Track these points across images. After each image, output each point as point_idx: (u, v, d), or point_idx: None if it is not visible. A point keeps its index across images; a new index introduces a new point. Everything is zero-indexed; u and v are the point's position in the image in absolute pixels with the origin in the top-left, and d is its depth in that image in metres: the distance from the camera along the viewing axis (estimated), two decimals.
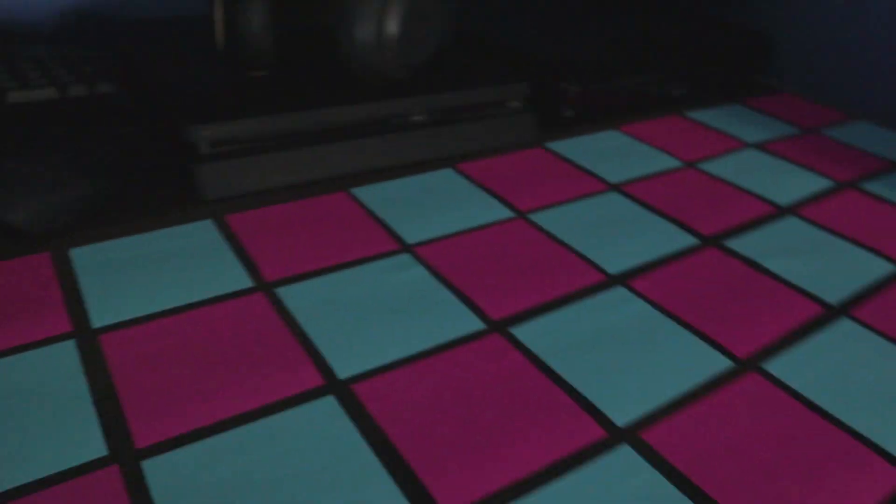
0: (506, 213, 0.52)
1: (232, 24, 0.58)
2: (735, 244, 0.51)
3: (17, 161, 0.47)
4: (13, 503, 0.27)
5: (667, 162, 0.63)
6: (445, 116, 0.59)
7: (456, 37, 0.77)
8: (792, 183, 0.62)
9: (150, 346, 0.36)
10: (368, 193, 0.53)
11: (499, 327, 0.40)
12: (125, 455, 0.30)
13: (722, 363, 0.39)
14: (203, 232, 0.46)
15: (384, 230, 0.48)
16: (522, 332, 0.40)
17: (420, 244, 0.47)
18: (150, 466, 0.29)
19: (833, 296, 0.46)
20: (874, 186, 0.63)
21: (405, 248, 0.47)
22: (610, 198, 0.56)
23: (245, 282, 0.42)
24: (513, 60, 0.69)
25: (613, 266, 0.47)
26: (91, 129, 0.55)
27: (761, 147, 0.68)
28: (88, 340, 0.36)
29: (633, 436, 0.33)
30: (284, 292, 0.41)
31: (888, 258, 0.51)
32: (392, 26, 0.55)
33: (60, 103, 0.57)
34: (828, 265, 0.50)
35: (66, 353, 0.35)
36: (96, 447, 0.30)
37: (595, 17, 0.84)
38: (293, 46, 0.66)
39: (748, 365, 0.39)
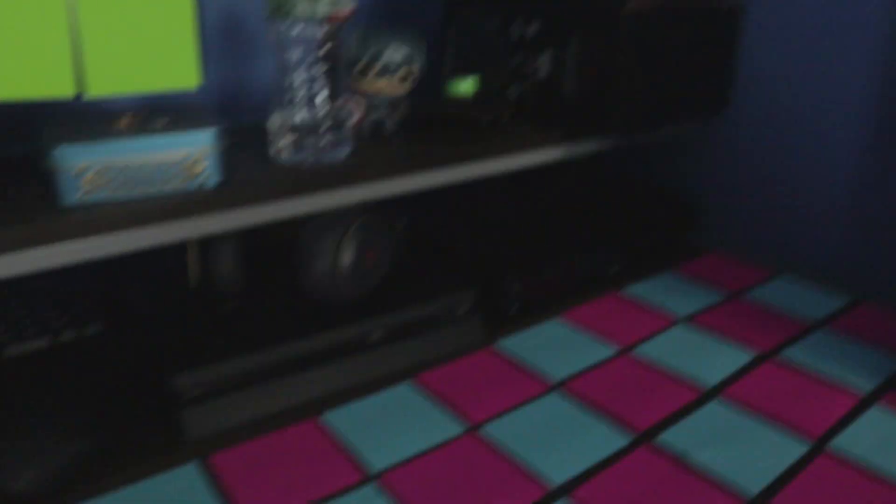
0: (459, 428, 0.58)
1: (205, 265, 0.66)
2: (665, 437, 0.57)
3: (15, 427, 0.52)
4: None
5: (604, 351, 0.70)
6: (399, 332, 0.66)
7: (401, 247, 0.85)
8: (717, 360, 0.69)
9: None
10: (336, 418, 0.59)
11: None
12: None
13: None
14: (188, 478, 0.52)
15: (350, 460, 0.54)
16: None
17: (383, 472, 0.53)
18: None
19: (754, 486, 0.52)
20: (794, 353, 0.70)
21: (370, 478, 0.52)
22: (552, 400, 0.62)
23: None
24: (456, 264, 0.78)
25: (558, 475, 0.53)
26: (81, 376, 0.61)
27: (691, 320, 0.76)
28: None
29: None
30: None
31: (804, 435, 0.58)
32: (345, 259, 0.63)
33: (51, 351, 0.63)
34: (748, 452, 0.56)
35: None
36: None
37: (520, 204, 0.94)
38: (258, 279, 0.73)
39: None
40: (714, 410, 0.61)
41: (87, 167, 0.51)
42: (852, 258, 0.85)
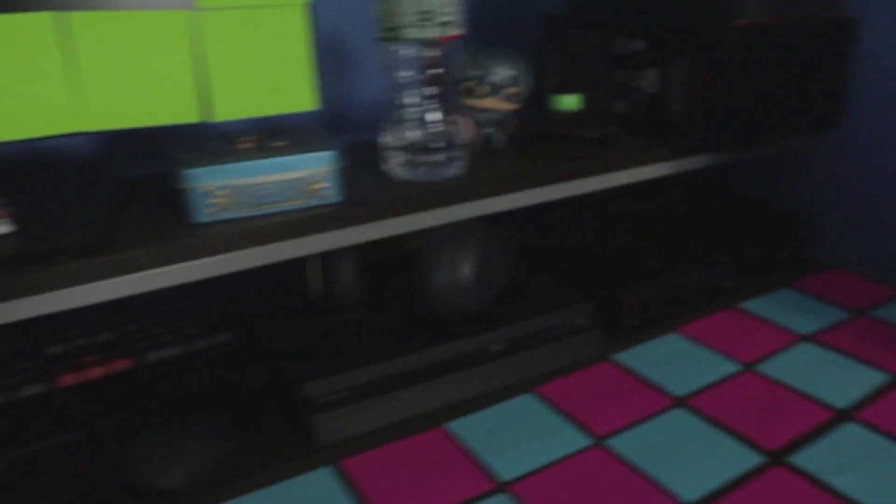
0: (585, 440, 0.58)
1: (325, 277, 0.68)
2: (799, 459, 0.56)
3: (163, 426, 0.56)
4: None
5: (726, 367, 0.69)
6: (519, 344, 0.67)
7: (517, 261, 0.86)
8: (848, 380, 0.66)
9: None
10: (462, 427, 0.60)
11: None
12: None
13: None
14: (324, 481, 0.54)
15: (479, 469, 0.55)
16: None
17: (513, 481, 0.54)
18: None
19: None
20: None
21: (501, 486, 0.53)
22: (677, 415, 0.61)
23: None
24: (570, 277, 0.78)
25: (690, 492, 0.52)
26: (215, 382, 0.64)
27: (814, 339, 0.74)
28: None
29: None
30: None
31: None
32: (465, 272, 0.64)
33: (186, 358, 0.67)
34: (890, 480, 0.54)
35: None
36: None
37: (631, 217, 0.93)
38: (377, 290, 0.75)
39: None
40: (849, 433, 0.59)
41: (213, 187, 0.54)
42: None
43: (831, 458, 0.56)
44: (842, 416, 0.61)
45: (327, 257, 0.69)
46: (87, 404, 0.61)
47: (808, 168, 0.95)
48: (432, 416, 0.62)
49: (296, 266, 0.84)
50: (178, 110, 0.56)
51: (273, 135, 0.62)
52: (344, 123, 0.89)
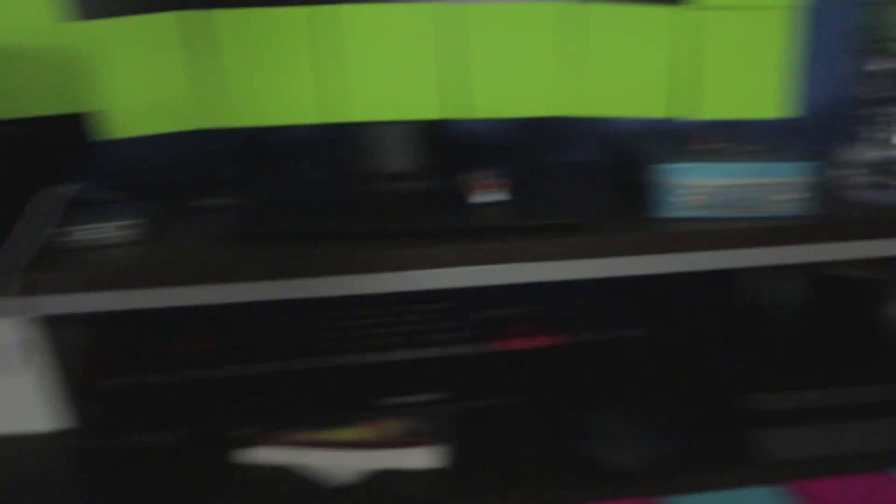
0: None
1: (756, 286, 0.66)
2: None
3: (614, 409, 0.58)
4: None
5: None
6: None
7: None
8: None
9: None
10: None
11: None
12: None
13: None
14: (766, 498, 0.52)
15: None
16: None
17: None
18: None
19: None
20: None
21: None
22: None
23: None
24: None
25: None
26: (639, 373, 0.65)
27: None
28: None
29: None
30: None
31: None
32: None
33: (612, 343, 0.68)
34: None
35: None
36: None
37: None
38: (815, 312, 0.71)
39: None
40: None
41: (692, 184, 0.55)
42: None
43: None
44: None
45: (766, 269, 0.67)
46: (516, 371, 0.66)
47: None
48: (877, 457, 0.57)
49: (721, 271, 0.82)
50: (647, 104, 0.58)
51: (735, 139, 0.61)
52: (797, 131, 0.85)
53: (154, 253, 0.52)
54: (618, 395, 0.61)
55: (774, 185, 0.55)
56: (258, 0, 0.53)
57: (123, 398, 0.59)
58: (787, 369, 0.60)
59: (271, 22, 0.54)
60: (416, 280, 0.53)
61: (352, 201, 0.58)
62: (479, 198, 0.57)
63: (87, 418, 0.59)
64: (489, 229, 0.53)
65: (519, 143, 0.77)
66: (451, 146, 0.69)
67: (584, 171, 0.69)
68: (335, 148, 0.71)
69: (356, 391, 0.59)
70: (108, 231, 0.53)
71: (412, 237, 0.53)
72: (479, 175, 0.58)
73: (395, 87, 0.56)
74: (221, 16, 0.53)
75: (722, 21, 0.56)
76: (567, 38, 0.56)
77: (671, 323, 0.71)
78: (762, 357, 0.61)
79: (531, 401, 0.62)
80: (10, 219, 0.54)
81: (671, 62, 0.57)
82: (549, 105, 0.58)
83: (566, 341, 0.68)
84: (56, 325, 0.58)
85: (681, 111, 0.58)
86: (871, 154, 0.58)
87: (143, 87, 0.54)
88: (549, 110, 0.58)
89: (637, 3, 0.56)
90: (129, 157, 0.74)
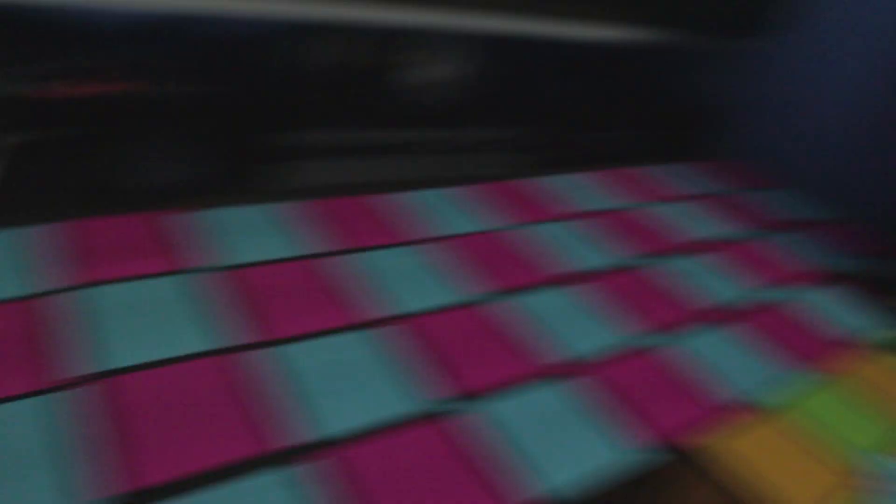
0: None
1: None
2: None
3: (150, 141, 0.62)
4: None
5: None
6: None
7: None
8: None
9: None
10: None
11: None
12: None
13: None
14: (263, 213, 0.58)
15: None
16: None
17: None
18: None
19: None
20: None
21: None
22: None
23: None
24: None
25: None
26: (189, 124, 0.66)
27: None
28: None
29: None
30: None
31: None
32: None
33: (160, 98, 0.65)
34: None
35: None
36: None
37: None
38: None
39: None
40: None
41: None
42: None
43: None
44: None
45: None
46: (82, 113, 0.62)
47: (728, 67, 0.95)
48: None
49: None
50: None
51: None
52: None
53: None
54: (164, 135, 0.64)
55: None
56: None
57: None
58: (315, 117, 0.66)
59: None
60: None
61: None
62: None
63: None
64: None
65: None
66: None
67: None
68: None
69: None
70: None
71: None
72: None
73: None
74: None
75: None
76: None
77: (225, 81, 0.68)
78: (296, 106, 0.67)
79: (84, 137, 0.61)
80: None
81: None
82: None
83: (125, 90, 0.64)
84: None
85: None
86: None
87: None
88: None
89: None
90: None
